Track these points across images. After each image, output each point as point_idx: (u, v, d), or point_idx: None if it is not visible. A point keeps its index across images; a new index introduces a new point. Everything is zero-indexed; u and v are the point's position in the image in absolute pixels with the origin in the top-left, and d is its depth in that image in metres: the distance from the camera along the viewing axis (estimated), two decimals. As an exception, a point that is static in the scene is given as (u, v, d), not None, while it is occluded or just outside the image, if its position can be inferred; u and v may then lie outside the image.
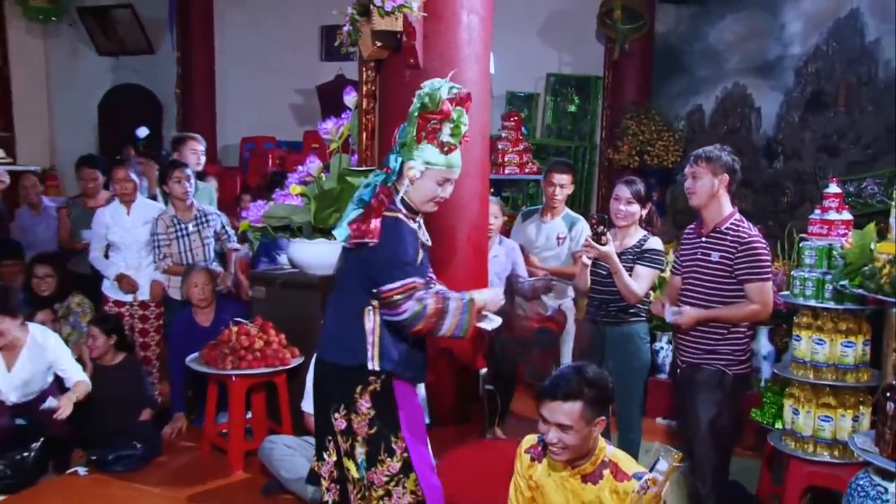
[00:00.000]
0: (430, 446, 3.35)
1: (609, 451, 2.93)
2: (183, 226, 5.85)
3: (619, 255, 4.20)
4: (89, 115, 11.19)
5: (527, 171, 7.74)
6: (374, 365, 3.13)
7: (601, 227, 4.11)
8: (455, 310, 3.07)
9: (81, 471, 4.73)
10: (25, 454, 4.65)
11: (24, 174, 7.21)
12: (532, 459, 3.03)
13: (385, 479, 3.16)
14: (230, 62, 10.46)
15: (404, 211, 3.15)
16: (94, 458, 4.78)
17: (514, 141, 7.73)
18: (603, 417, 2.85)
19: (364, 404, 3.15)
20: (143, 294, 5.87)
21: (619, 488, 2.84)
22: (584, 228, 5.63)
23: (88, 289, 6.07)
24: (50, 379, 4.90)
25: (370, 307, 3.12)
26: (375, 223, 3.04)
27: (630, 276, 4.18)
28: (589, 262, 4.25)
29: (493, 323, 3.36)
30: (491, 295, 3.33)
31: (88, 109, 11.17)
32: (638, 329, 4.33)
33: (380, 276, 3.05)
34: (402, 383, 3.21)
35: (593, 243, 4.12)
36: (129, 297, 5.85)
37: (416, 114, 3.06)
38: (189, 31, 10.22)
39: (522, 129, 7.92)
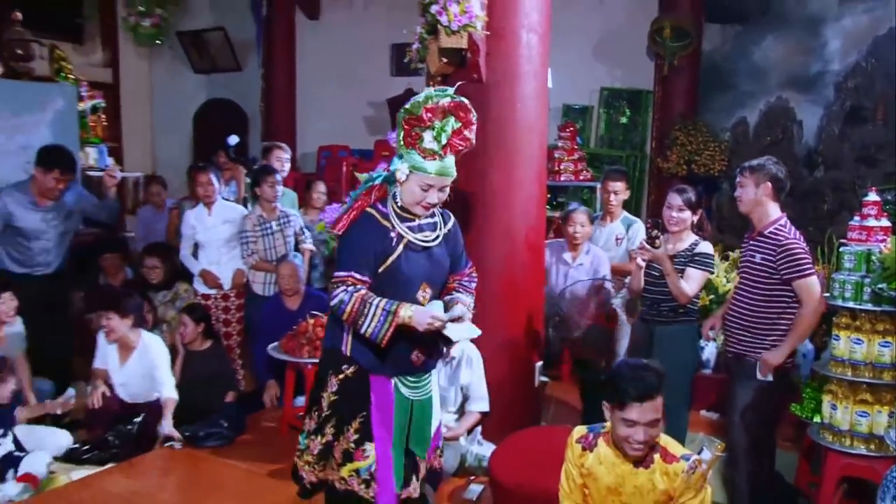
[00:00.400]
0: (394, 446, 3.14)
1: (659, 437, 2.91)
2: (268, 225, 5.94)
3: (671, 258, 4.18)
4: (185, 126, 11.43)
5: (581, 178, 7.70)
6: (346, 350, 3.09)
7: (655, 232, 4.13)
8: (373, 315, 2.91)
9: (177, 445, 4.83)
10: (129, 427, 4.83)
11: (153, 180, 7.35)
12: (584, 449, 3.00)
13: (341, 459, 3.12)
14: (309, 78, 10.57)
15: (395, 210, 3.05)
16: (187, 433, 4.88)
17: (569, 150, 7.69)
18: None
19: (331, 386, 3.11)
20: (226, 286, 5.97)
21: (669, 470, 2.83)
22: (639, 229, 5.61)
23: (191, 280, 6.22)
24: (154, 396, 5.02)
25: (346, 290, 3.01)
26: (348, 217, 3.02)
27: (681, 277, 4.14)
28: (643, 263, 4.23)
29: (460, 333, 3.02)
30: (419, 314, 2.95)
31: (184, 121, 11.40)
32: (687, 328, 4.28)
33: (336, 263, 3.06)
34: (378, 378, 3.11)
35: (647, 246, 4.13)
36: (213, 291, 5.96)
37: (401, 119, 2.95)
38: (273, 50, 10.37)
39: (577, 139, 7.88)
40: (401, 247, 3.02)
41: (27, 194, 5.27)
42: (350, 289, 2.95)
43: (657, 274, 4.20)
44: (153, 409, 4.94)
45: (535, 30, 4.60)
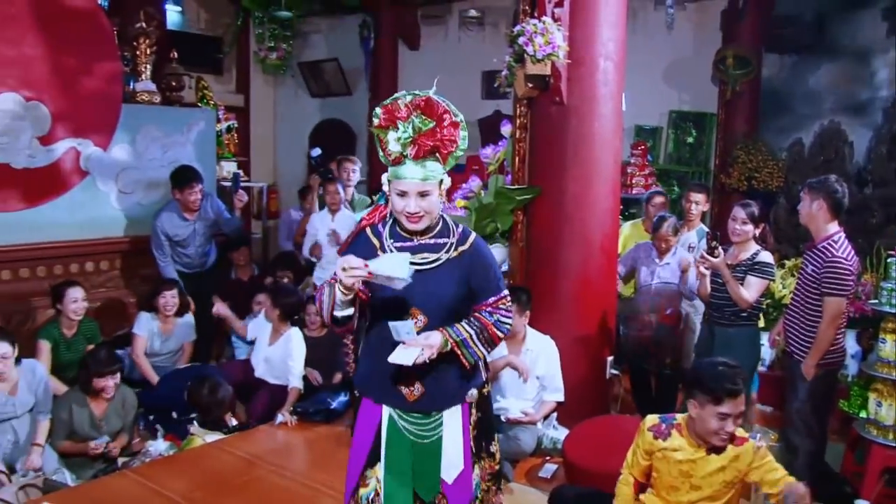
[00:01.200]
0: (393, 482, 2.47)
1: None
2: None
3: (734, 266, 4.00)
4: (302, 143, 11.61)
5: (651, 191, 7.53)
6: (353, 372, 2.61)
7: (714, 242, 3.95)
8: (324, 294, 2.34)
9: (293, 419, 4.85)
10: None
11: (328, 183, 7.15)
12: (655, 437, 2.86)
13: None
14: (410, 101, 10.61)
15: (393, 230, 2.46)
16: (299, 409, 4.90)
17: (640, 166, 7.56)
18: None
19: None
20: None
21: (739, 451, 2.74)
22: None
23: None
24: (280, 381, 5.07)
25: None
26: (349, 239, 2.57)
27: (742, 285, 3.97)
28: (706, 272, 4.07)
29: (399, 357, 2.26)
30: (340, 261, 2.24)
31: (301, 139, 11.58)
32: (748, 331, 4.09)
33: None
34: (367, 401, 2.53)
35: (707, 255, 3.96)
36: None
37: (373, 129, 2.39)
38: (378, 77, 10.44)
39: (648, 156, 7.73)
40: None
41: (175, 212, 5.43)
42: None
43: (720, 281, 4.03)
44: (275, 390, 4.99)
45: (612, 58, 4.49)
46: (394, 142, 2.33)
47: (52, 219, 5.27)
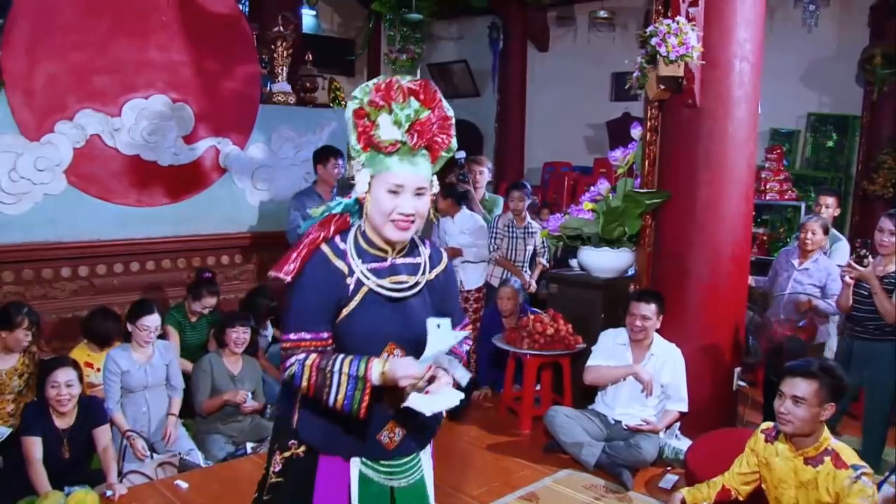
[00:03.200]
0: None
1: (833, 441, 2.81)
2: (515, 230, 6.13)
3: (882, 278, 3.83)
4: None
5: (786, 197, 7.24)
6: (294, 423, 2.04)
7: (863, 251, 3.78)
8: (339, 384, 1.86)
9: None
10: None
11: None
12: (766, 440, 2.96)
13: None
14: (537, 102, 10.65)
15: (358, 246, 2.00)
16: None
17: (775, 171, 7.27)
18: (833, 404, 2.75)
19: (275, 465, 2.08)
20: (466, 287, 6.08)
21: (837, 474, 2.72)
22: (842, 248, 5.15)
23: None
24: None
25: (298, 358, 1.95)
26: (298, 256, 1.95)
27: (890, 298, 3.79)
28: (851, 282, 3.91)
29: (428, 405, 1.85)
30: (406, 367, 1.86)
31: (429, 139, 11.86)
32: (892, 347, 3.90)
33: (282, 323, 2.01)
34: (329, 460, 2.03)
35: (854, 265, 3.80)
36: None
37: (351, 118, 1.95)
38: (507, 78, 10.54)
39: (784, 160, 7.43)
40: (359, 295, 1.97)
41: (313, 195, 5.65)
42: (302, 357, 1.92)
43: (865, 293, 3.86)
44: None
45: (748, 59, 4.39)
46: (390, 125, 1.91)
47: (193, 213, 5.68)
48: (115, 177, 5.28)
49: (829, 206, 5.22)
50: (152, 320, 4.26)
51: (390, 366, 1.86)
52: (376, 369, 1.86)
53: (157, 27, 5.38)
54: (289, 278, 1.94)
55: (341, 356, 1.89)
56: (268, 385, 4.83)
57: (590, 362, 4.49)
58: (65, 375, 3.64)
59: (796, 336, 4.51)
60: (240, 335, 4.56)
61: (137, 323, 4.23)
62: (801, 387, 2.72)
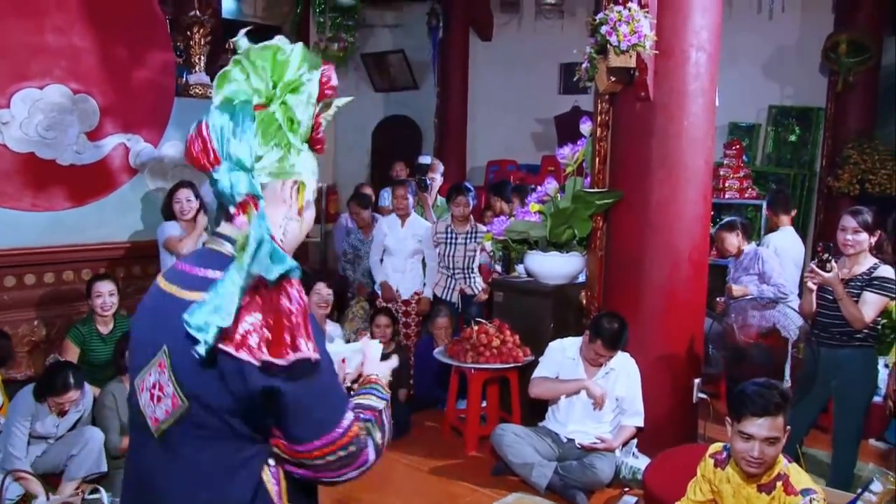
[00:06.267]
0: None
1: (784, 464, 2.76)
2: (455, 234, 6.14)
3: (848, 281, 3.85)
4: (365, 141, 11.74)
5: (746, 196, 7.34)
6: None
7: (826, 255, 3.79)
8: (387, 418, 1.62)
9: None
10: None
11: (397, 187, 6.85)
12: (715, 465, 2.90)
13: None
14: (480, 95, 10.62)
15: None
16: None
17: (735, 168, 7.38)
18: (789, 427, 2.72)
19: None
20: (405, 294, 6.13)
21: (786, 500, 2.68)
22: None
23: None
24: None
25: (268, 463, 1.49)
26: (292, 334, 1.37)
27: (858, 302, 3.81)
28: (814, 287, 3.93)
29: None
30: (381, 365, 1.78)
31: (364, 136, 11.72)
32: (863, 354, 3.93)
33: (318, 415, 1.44)
34: None
35: (817, 269, 3.81)
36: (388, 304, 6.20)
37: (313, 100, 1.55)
38: (447, 69, 10.49)
39: (744, 156, 7.54)
40: None
41: None
42: (354, 428, 1.48)
43: (830, 297, 3.88)
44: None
45: (704, 48, 4.39)
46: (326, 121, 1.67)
47: (99, 219, 5.43)
48: (3, 177, 4.98)
49: (723, 241, 5.54)
50: (104, 285, 4.26)
51: (374, 371, 1.74)
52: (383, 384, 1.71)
53: (53, 7, 5.10)
54: (284, 362, 1.36)
55: (352, 400, 1.59)
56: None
57: (536, 374, 4.45)
58: None
59: (759, 343, 4.53)
60: None
61: (54, 400, 4.01)
62: (775, 426, 2.65)
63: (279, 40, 1.54)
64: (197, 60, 6.16)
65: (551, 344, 4.54)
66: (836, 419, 4.09)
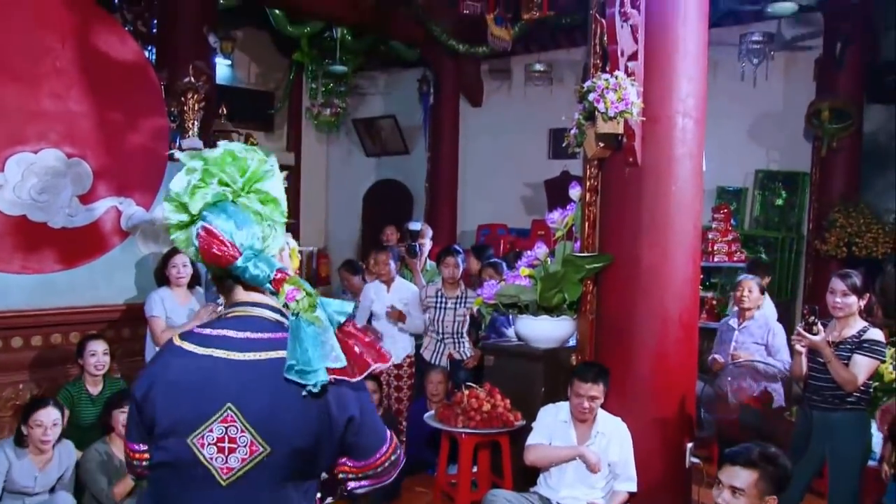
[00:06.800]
0: None
1: None
2: (444, 299, 6.15)
3: (838, 344, 3.89)
4: (356, 204, 11.84)
5: (735, 259, 7.42)
6: None
7: (812, 318, 3.83)
8: None
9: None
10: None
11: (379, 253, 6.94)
12: None
13: None
14: (470, 160, 10.76)
15: None
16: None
17: (723, 231, 7.47)
18: (775, 497, 2.69)
19: None
20: (396, 359, 6.10)
21: None
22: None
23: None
24: None
25: (317, 496, 1.90)
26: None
27: (848, 365, 3.84)
28: (803, 349, 3.95)
29: None
30: None
31: (355, 200, 11.83)
32: (855, 417, 3.95)
33: (378, 427, 1.86)
34: None
35: (804, 332, 3.84)
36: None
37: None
38: (438, 135, 10.65)
39: (732, 220, 7.64)
40: None
41: None
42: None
43: (821, 360, 3.91)
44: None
45: (691, 115, 4.49)
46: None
47: (89, 281, 5.42)
48: (-5, 239, 5.02)
49: (751, 291, 5.41)
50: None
51: None
52: None
53: (50, 73, 5.20)
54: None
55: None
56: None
57: (530, 440, 4.42)
58: None
59: (749, 406, 4.54)
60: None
61: (30, 420, 3.99)
62: (740, 476, 2.69)
63: (225, 144, 1.80)
64: (190, 126, 6.23)
65: (543, 409, 4.52)
66: (832, 483, 4.08)
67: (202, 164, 1.76)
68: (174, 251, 5.24)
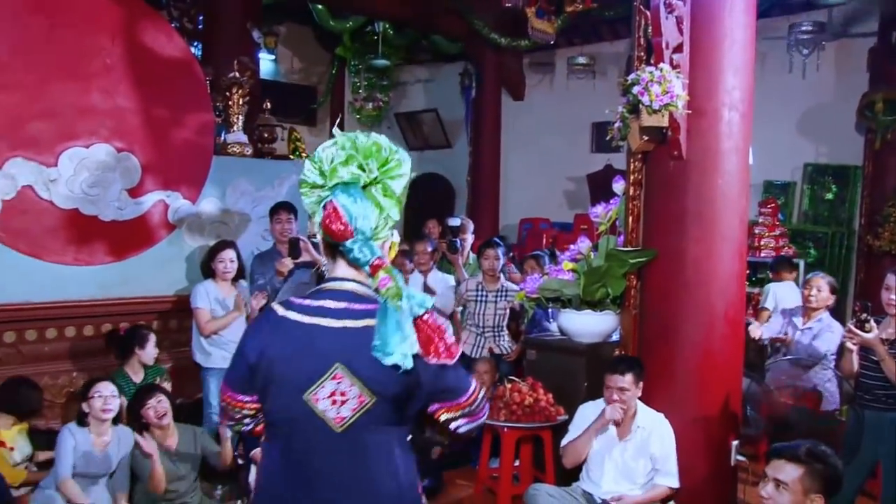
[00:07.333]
0: None
1: None
2: (485, 292, 6.15)
3: (892, 342, 3.81)
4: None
5: (782, 254, 7.30)
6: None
7: (864, 315, 3.76)
8: None
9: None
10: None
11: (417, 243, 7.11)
12: None
13: None
14: (512, 153, 10.75)
15: None
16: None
17: (770, 226, 7.38)
18: (821, 496, 2.63)
19: None
20: None
21: None
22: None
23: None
24: None
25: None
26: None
27: None
28: (854, 347, 3.89)
29: None
30: None
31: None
32: None
33: (462, 372, 2.13)
34: None
35: (856, 330, 3.78)
36: None
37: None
38: (480, 128, 10.66)
39: (779, 215, 7.53)
40: None
41: (275, 255, 5.64)
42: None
43: (874, 358, 3.84)
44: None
45: (737, 107, 4.44)
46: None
47: (138, 273, 5.55)
48: (49, 232, 5.15)
49: (820, 290, 5.30)
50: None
51: None
52: None
53: (100, 70, 5.33)
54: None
55: None
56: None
57: (565, 441, 4.41)
58: None
59: (799, 405, 4.48)
60: (157, 407, 4.37)
61: (90, 392, 4.13)
62: (785, 470, 2.66)
63: (375, 136, 2.06)
64: (235, 120, 6.33)
65: (581, 406, 4.51)
66: (885, 485, 4.01)
67: (350, 146, 2.02)
68: (221, 246, 5.34)
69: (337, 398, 1.98)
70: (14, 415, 4.46)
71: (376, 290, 1.98)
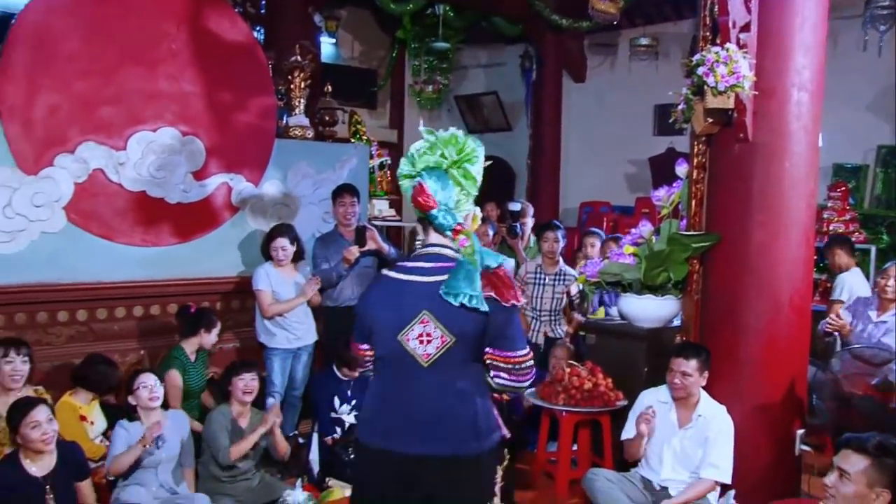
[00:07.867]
0: None
1: None
2: (543, 276, 6.15)
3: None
4: (456, 181, 11.91)
5: (853, 239, 7.08)
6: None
7: None
8: None
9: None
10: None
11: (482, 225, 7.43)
12: None
13: None
14: (573, 136, 10.66)
15: None
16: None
17: (840, 211, 7.16)
18: (888, 492, 2.56)
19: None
20: None
21: None
22: None
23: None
24: None
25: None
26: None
27: None
28: None
29: None
30: None
31: (456, 177, 11.89)
32: None
33: (520, 334, 2.61)
34: None
35: None
36: None
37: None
38: (541, 111, 10.58)
39: (849, 199, 7.30)
40: None
41: (337, 237, 5.74)
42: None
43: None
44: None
45: (807, 87, 4.32)
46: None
47: (202, 254, 5.68)
48: (118, 214, 5.30)
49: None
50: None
51: None
52: None
53: (166, 56, 5.44)
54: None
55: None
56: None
57: (625, 434, 4.37)
58: (43, 413, 3.61)
59: (869, 395, 4.35)
60: (248, 384, 4.51)
61: (136, 383, 4.21)
62: (850, 460, 2.63)
63: (453, 130, 2.57)
64: (297, 103, 6.39)
65: (642, 394, 4.45)
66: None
67: (434, 139, 2.54)
68: (275, 233, 5.42)
69: (424, 338, 2.48)
70: (92, 391, 4.61)
71: (457, 251, 2.50)
